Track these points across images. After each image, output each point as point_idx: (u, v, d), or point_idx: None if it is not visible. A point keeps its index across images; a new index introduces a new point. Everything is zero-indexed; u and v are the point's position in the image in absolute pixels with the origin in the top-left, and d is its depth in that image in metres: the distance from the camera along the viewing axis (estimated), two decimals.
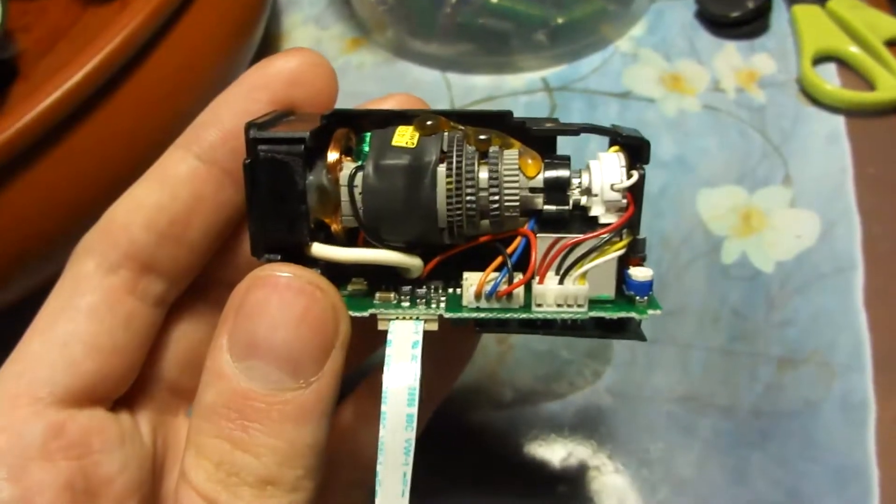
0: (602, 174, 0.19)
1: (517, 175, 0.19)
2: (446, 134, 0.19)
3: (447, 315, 0.19)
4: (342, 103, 0.21)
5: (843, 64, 0.42)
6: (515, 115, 0.20)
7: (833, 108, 0.40)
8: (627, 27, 0.45)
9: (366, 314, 0.19)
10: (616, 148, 0.20)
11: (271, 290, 0.17)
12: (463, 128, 0.19)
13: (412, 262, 0.20)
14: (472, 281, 0.19)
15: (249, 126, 0.19)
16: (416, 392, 0.18)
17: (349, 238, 0.20)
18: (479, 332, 0.25)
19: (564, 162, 0.19)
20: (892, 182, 0.38)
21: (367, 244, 0.20)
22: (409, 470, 0.18)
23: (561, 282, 0.19)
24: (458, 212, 0.19)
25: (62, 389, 0.19)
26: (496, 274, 0.19)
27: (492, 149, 0.19)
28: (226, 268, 0.23)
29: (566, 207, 0.19)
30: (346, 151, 0.20)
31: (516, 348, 0.34)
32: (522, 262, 0.19)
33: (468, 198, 0.18)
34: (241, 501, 0.17)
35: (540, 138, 0.20)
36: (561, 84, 0.43)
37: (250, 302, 0.17)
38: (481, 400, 0.33)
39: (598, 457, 0.31)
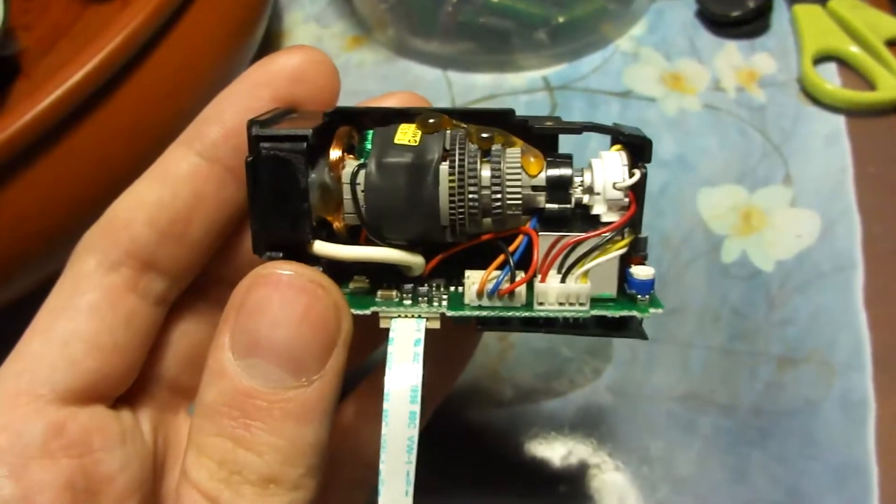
0: (604, 173, 0.19)
1: (519, 173, 0.19)
2: (448, 132, 0.19)
3: (449, 313, 0.19)
4: (342, 102, 0.21)
5: (844, 64, 0.42)
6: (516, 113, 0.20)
7: (833, 108, 0.40)
8: (628, 26, 0.45)
9: (368, 312, 0.19)
10: (618, 147, 0.20)
11: (273, 288, 0.17)
12: (465, 126, 0.19)
13: (414, 260, 0.20)
14: (474, 279, 0.19)
15: (252, 123, 0.19)
16: (419, 390, 0.18)
17: (351, 236, 0.20)
18: (481, 331, 0.25)
19: (567, 160, 0.19)
20: (893, 181, 0.38)
21: (369, 242, 0.20)
22: (412, 468, 0.17)
23: (563, 280, 0.19)
24: (461, 210, 0.18)
25: (63, 388, 0.19)
26: (498, 272, 0.19)
27: (494, 147, 0.19)
28: (227, 266, 0.23)
29: (568, 206, 0.19)
30: (349, 149, 0.20)
31: (517, 346, 0.34)
32: (524, 261, 0.19)
33: (470, 196, 0.18)
34: (244, 500, 0.17)
35: (542, 137, 0.20)
36: (561, 83, 0.43)
37: (252, 300, 0.17)
38: (481, 398, 0.33)
39: (598, 455, 0.31)
